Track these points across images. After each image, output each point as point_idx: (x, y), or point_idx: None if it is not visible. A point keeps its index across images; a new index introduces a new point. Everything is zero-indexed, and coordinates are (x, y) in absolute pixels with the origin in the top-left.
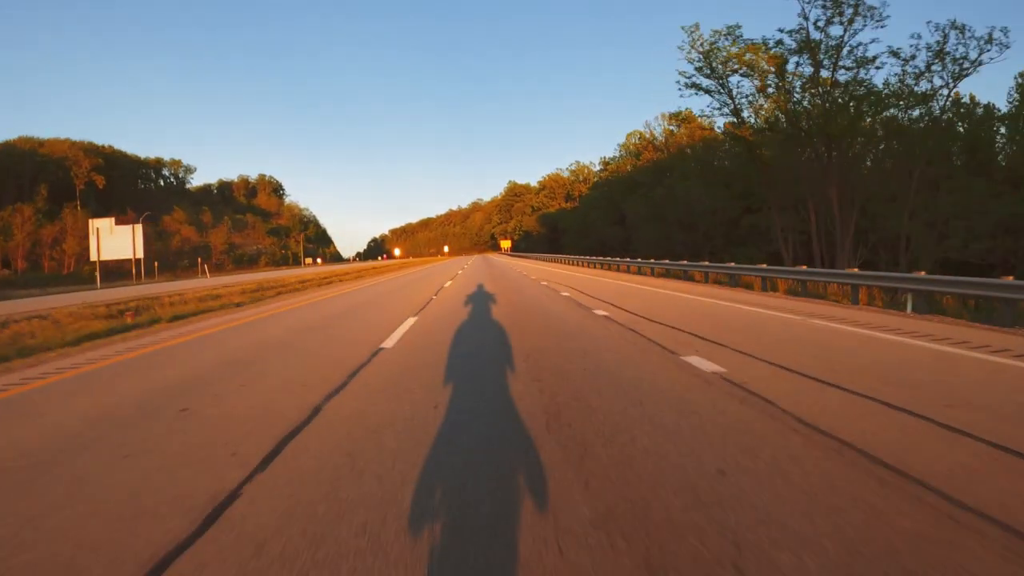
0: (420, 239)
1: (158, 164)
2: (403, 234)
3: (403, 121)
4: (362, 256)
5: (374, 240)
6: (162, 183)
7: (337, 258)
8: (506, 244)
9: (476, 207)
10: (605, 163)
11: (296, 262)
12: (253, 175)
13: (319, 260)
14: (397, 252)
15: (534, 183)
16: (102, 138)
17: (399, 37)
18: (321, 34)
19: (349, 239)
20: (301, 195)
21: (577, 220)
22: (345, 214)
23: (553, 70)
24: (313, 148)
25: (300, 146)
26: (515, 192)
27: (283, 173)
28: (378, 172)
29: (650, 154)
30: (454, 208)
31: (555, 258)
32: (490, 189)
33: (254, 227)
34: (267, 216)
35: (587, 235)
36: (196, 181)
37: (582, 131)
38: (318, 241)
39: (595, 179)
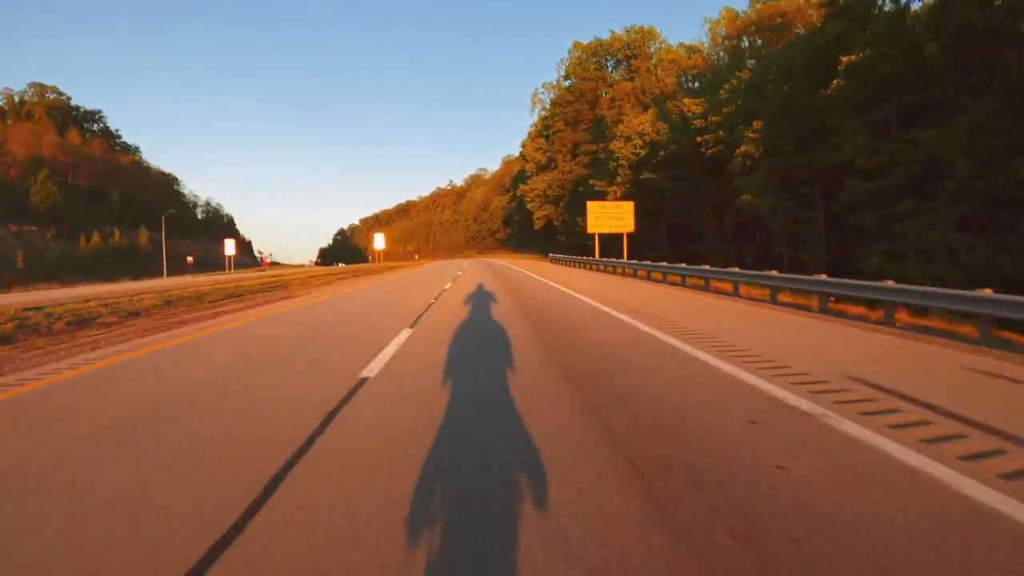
0: (396, 230)
1: None
2: (376, 224)
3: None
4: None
5: (341, 232)
6: None
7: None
8: (614, 222)
9: (477, 180)
10: None
11: None
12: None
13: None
14: (266, 254)
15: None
16: None
17: None
18: None
19: (311, 232)
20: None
21: None
22: (307, 202)
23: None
24: (263, 125)
25: (237, 120)
26: (592, 75)
27: (219, 156)
28: (349, 156)
29: None
30: (443, 186)
31: None
32: (497, 155)
33: None
34: None
35: None
36: None
37: None
38: (177, 222)
39: None
